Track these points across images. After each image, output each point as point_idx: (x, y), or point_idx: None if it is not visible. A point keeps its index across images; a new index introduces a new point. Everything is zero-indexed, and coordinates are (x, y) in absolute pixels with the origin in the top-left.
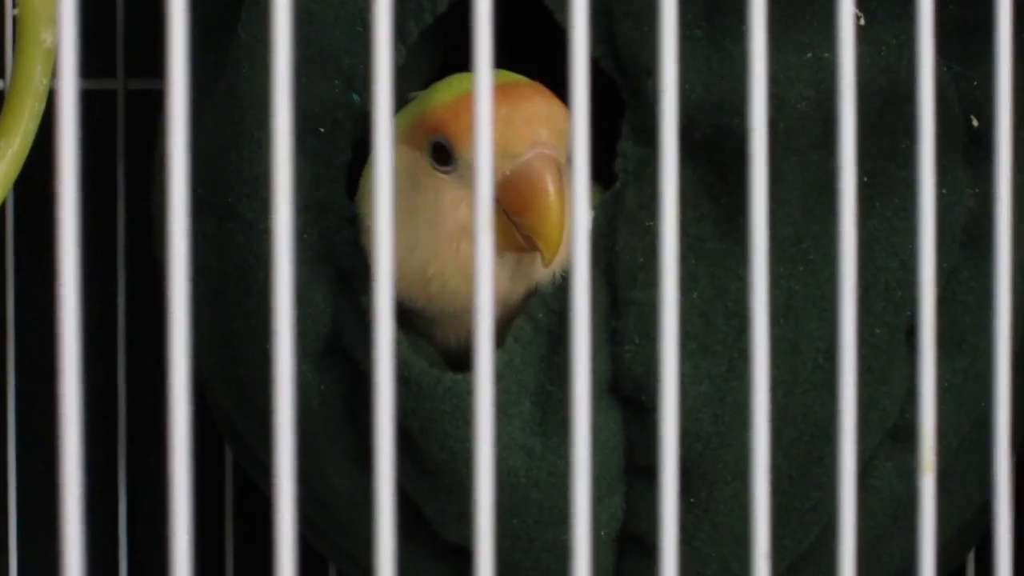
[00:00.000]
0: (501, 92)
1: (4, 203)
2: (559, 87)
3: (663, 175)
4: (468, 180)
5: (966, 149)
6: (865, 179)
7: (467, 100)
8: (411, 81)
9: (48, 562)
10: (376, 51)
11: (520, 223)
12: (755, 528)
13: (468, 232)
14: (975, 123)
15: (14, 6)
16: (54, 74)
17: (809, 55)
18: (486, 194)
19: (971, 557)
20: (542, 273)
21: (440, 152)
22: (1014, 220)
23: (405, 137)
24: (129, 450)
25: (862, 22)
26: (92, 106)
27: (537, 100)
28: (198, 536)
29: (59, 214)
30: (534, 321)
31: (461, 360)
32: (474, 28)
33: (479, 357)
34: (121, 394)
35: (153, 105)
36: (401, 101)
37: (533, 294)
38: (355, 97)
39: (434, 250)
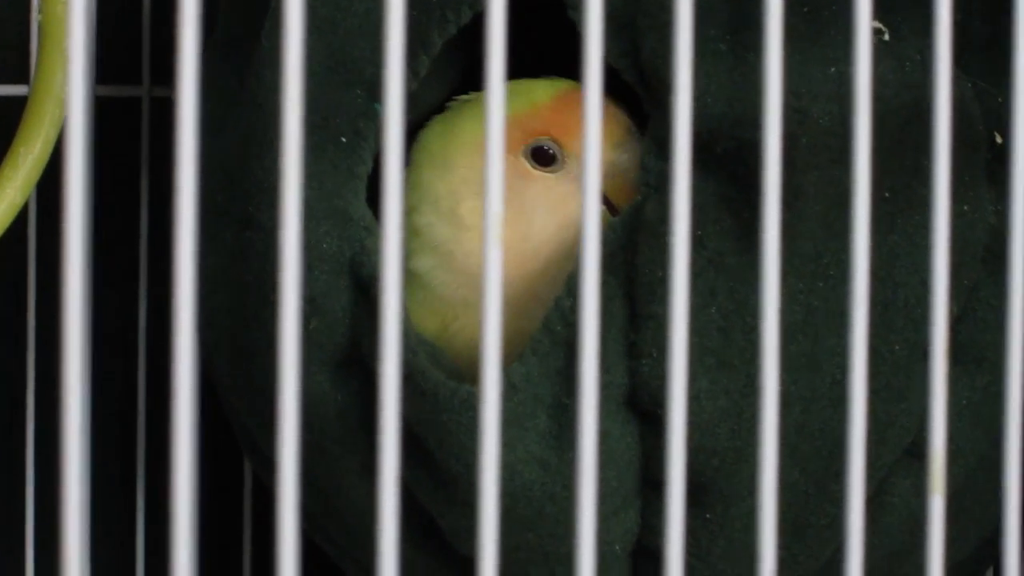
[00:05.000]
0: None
1: (26, 209)
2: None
3: (676, 186)
4: (577, 176)
5: (990, 166)
6: (886, 195)
7: (566, 99)
8: (434, 91)
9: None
10: (389, 61)
11: None
12: (762, 545)
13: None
14: (999, 140)
15: (39, 13)
16: None
17: (833, 70)
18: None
19: (990, 573)
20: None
21: (541, 154)
22: None
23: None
24: (148, 459)
25: (887, 37)
26: (117, 113)
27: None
28: (218, 550)
29: (66, 222)
30: (552, 333)
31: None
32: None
33: (487, 357)
34: (141, 405)
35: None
36: (432, 112)
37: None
38: (377, 107)
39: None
